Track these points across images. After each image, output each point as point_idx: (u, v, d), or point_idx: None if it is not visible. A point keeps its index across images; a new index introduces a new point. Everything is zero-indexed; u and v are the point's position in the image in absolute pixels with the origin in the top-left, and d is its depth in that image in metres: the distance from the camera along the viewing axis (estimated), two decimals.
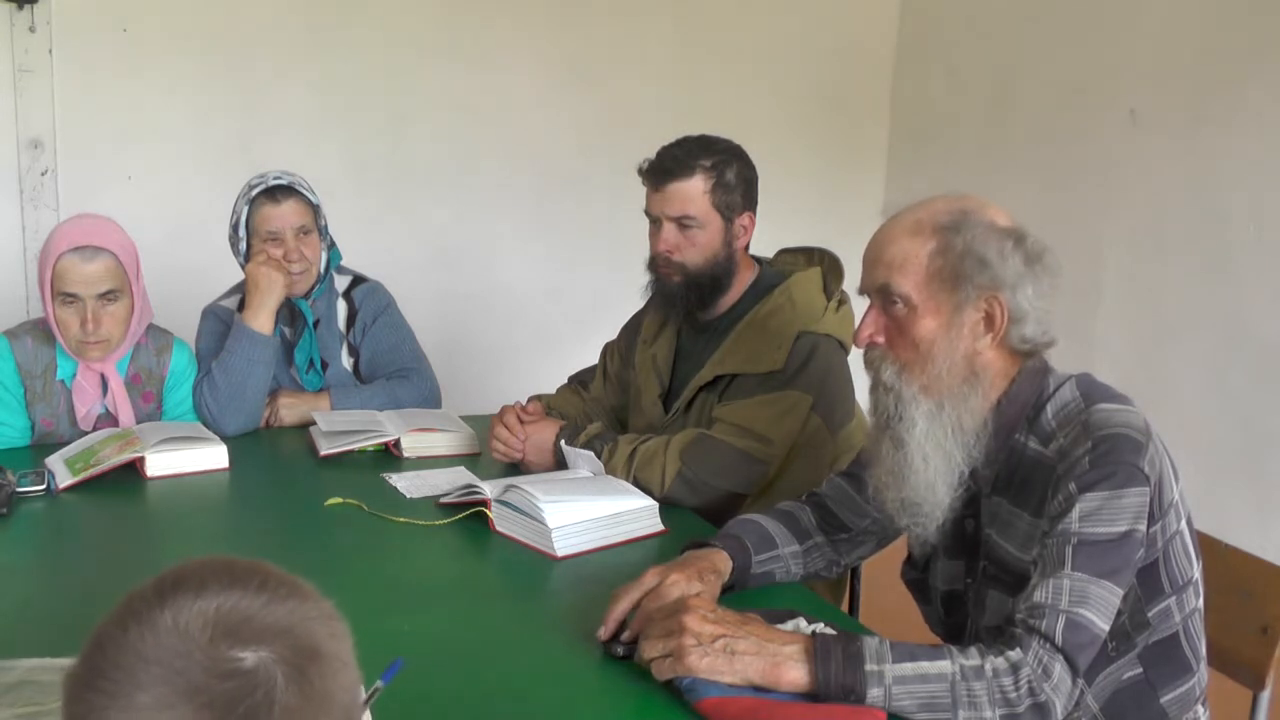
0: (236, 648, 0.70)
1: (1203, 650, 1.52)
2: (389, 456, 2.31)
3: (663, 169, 2.15)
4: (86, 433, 2.32)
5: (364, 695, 1.20)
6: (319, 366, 2.59)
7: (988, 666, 1.30)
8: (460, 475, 2.16)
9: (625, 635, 1.45)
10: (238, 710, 0.68)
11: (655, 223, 2.19)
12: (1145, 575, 1.42)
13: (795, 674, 1.31)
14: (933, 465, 1.47)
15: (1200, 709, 1.53)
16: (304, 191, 2.52)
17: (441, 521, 1.94)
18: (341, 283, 2.65)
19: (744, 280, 2.23)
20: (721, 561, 1.62)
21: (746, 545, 1.67)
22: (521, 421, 2.23)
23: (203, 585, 0.72)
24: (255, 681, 0.69)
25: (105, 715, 0.68)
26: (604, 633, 1.46)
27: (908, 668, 1.29)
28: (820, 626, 1.44)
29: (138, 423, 2.36)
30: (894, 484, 1.52)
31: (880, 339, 1.50)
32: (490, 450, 2.27)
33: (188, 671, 0.69)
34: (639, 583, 1.51)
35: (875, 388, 1.53)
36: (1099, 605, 1.32)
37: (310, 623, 0.74)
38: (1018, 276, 1.43)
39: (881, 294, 1.49)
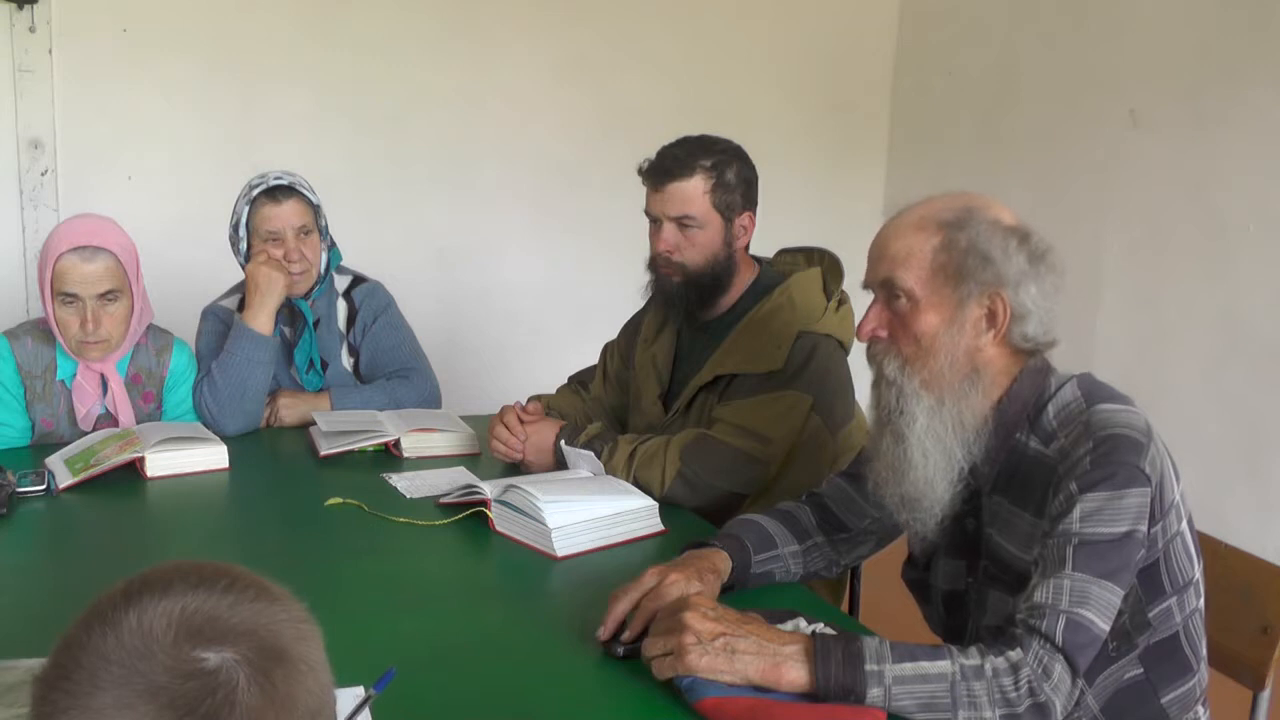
0: (200, 648, 0.69)
1: (1203, 650, 1.52)
2: (389, 456, 2.31)
3: (663, 169, 2.15)
4: (86, 433, 2.32)
5: (346, 698, 1.20)
6: (319, 367, 2.59)
7: (988, 666, 1.30)
8: (460, 475, 2.16)
9: (625, 635, 1.45)
10: (198, 711, 0.68)
11: (655, 223, 2.19)
12: (1146, 576, 1.42)
13: (795, 674, 1.31)
14: (932, 461, 1.48)
15: (1200, 709, 1.53)
16: (305, 191, 2.52)
17: (441, 521, 1.94)
18: (341, 283, 2.65)
19: (744, 280, 2.23)
20: (721, 561, 1.62)
21: (746, 545, 1.67)
22: (521, 421, 2.23)
23: (169, 586, 0.72)
24: (217, 682, 0.69)
25: (67, 715, 0.68)
26: (603, 633, 1.46)
27: (907, 668, 1.29)
28: (820, 626, 1.44)
29: (138, 423, 2.36)
30: (894, 479, 1.52)
31: (883, 333, 1.51)
32: (490, 450, 2.27)
33: (149, 672, 0.68)
34: (638, 583, 1.51)
35: (877, 382, 1.53)
36: (1099, 605, 1.32)
37: (277, 625, 0.73)
38: (1021, 274, 1.43)
39: (885, 288, 1.49)
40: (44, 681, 0.71)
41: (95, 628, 0.70)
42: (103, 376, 2.35)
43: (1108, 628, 1.34)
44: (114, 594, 0.72)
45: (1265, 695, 1.64)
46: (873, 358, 1.54)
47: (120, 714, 0.68)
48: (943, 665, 1.30)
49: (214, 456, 2.21)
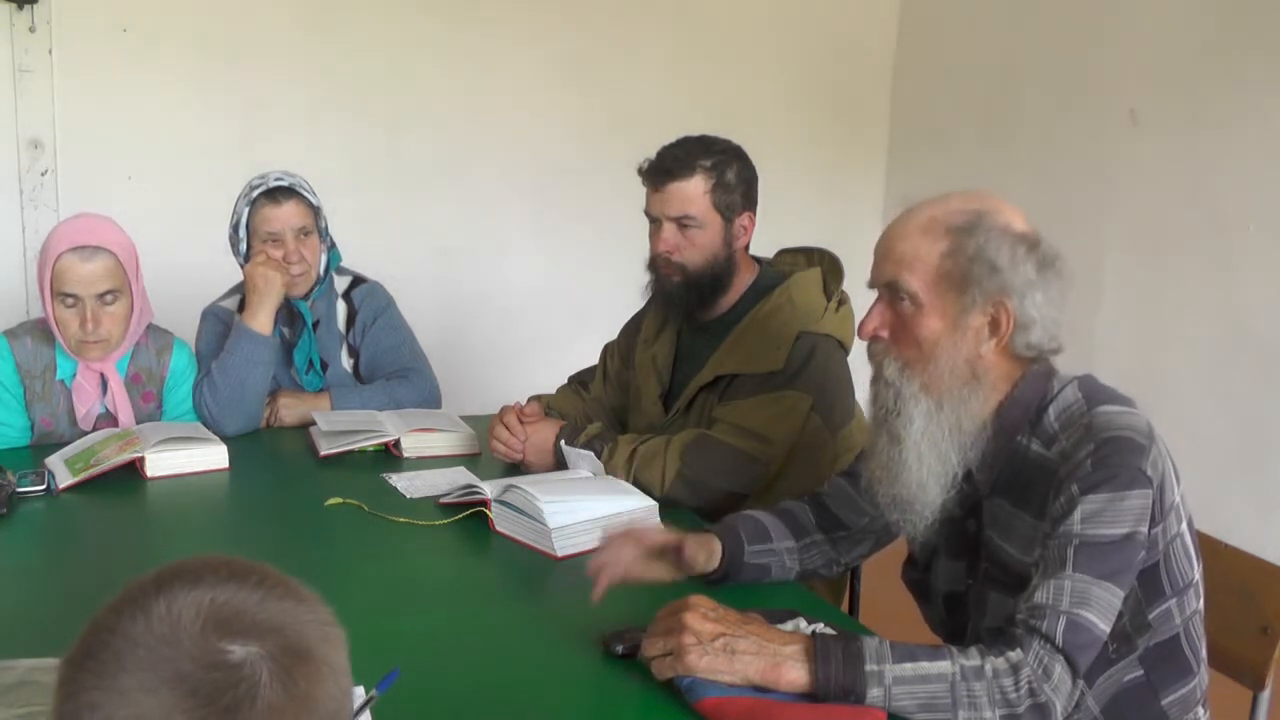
0: (226, 640, 0.71)
1: (1203, 652, 1.52)
2: (389, 456, 2.31)
3: (663, 169, 2.15)
4: (86, 433, 2.32)
5: (357, 703, 1.20)
6: (319, 367, 2.59)
7: (988, 667, 1.30)
8: (460, 475, 2.16)
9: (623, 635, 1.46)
10: (220, 701, 0.69)
11: (655, 223, 2.19)
12: (1146, 577, 1.42)
13: (795, 674, 1.31)
14: (926, 464, 1.47)
15: (1200, 710, 1.53)
16: (305, 193, 2.51)
17: (441, 521, 1.94)
18: (341, 283, 2.65)
19: (744, 280, 2.23)
20: (710, 542, 1.64)
21: (740, 536, 1.68)
22: (521, 422, 2.23)
23: (199, 578, 0.74)
24: (240, 675, 0.70)
25: (91, 696, 0.69)
26: (597, 594, 1.53)
27: (907, 668, 1.29)
28: (820, 627, 1.44)
29: (138, 423, 2.36)
30: (887, 479, 1.52)
31: (884, 333, 1.50)
32: (490, 450, 2.27)
33: (175, 659, 0.69)
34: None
35: (876, 380, 1.53)
36: (1100, 606, 1.32)
37: (304, 625, 0.74)
38: (1027, 284, 1.42)
39: (889, 289, 1.48)
40: (71, 661, 0.72)
41: (125, 612, 0.72)
42: (102, 376, 2.35)
43: (1108, 629, 1.34)
44: (145, 581, 0.74)
45: (1265, 695, 1.64)
46: (873, 356, 1.54)
47: (144, 697, 0.69)
48: (943, 665, 1.30)
49: (214, 456, 2.21)
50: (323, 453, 2.29)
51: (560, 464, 2.17)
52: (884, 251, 1.50)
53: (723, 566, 1.65)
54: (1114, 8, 3.48)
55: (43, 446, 2.30)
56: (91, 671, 0.70)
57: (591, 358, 2.58)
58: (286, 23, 3.59)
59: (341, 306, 2.63)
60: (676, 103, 3.97)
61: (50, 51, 3.33)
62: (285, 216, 2.48)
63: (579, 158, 3.99)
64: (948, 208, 1.46)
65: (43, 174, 3.37)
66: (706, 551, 1.64)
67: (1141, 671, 1.46)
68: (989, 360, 1.46)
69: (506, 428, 2.23)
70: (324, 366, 2.60)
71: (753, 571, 1.68)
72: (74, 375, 2.34)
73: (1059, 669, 1.30)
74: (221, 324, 2.56)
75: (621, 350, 2.48)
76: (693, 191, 2.13)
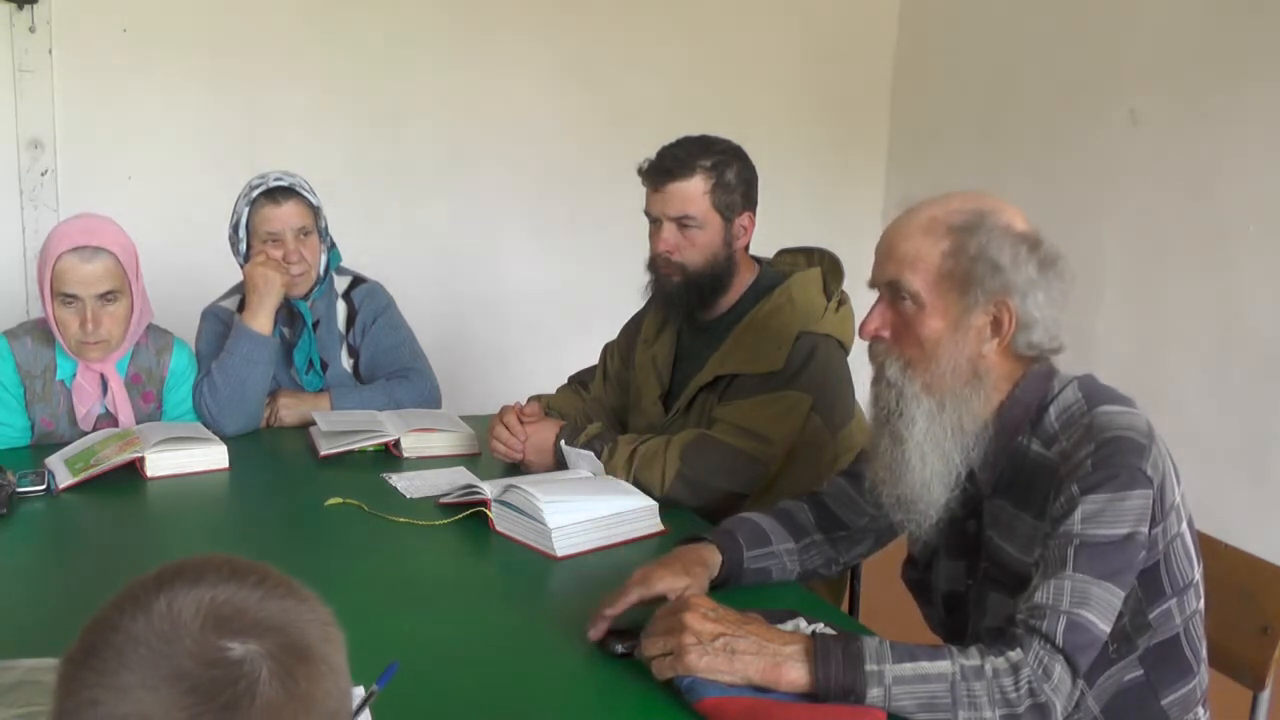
0: (226, 638, 0.71)
1: (1203, 652, 1.52)
2: (389, 456, 2.31)
3: (663, 169, 2.15)
4: (86, 433, 2.32)
5: (357, 701, 1.20)
6: (319, 367, 2.59)
7: (988, 667, 1.30)
8: (460, 475, 2.16)
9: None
10: (219, 698, 0.69)
11: (655, 223, 2.19)
12: (1146, 577, 1.42)
13: (795, 674, 1.31)
14: (930, 464, 1.47)
15: (1200, 710, 1.53)
16: (304, 193, 2.51)
17: (441, 521, 1.94)
18: (341, 283, 2.65)
19: (744, 280, 2.23)
20: (710, 555, 1.63)
21: (739, 541, 1.67)
22: (521, 422, 2.23)
23: (200, 576, 0.74)
24: (240, 672, 0.70)
25: (93, 693, 0.70)
26: (594, 634, 1.46)
27: (907, 668, 1.29)
28: (820, 626, 1.44)
29: (138, 423, 2.36)
30: (890, 480, 1.52)
31: (885, 333, 1.50)
32: (490, 450, 2.27)
33: (175, 656, 0.70)
34: (623, 592, 1.50)
35: (878, 381, 1.53)
36: (1100, 607, 1.32)
37: (304, 624, 0.75)
38: (1029, 283, 1.42)
39: (891, 289, 1.48)
40: (72, 659, 0.72)
41: (127, 609, 0.72)
42: (103, 376, 2.35)
43: (1108, 629, 1.34)
44: (146, 579, 0.74)
45: (1265, 695, 1.64)
46: (874, 356, 1.54)
47: (144, 694, 0.69)
48: (943, 665, 1.30)
49: (214, 456, 2.21)
50: (323, 453, 2.29)
51: (560, 464, 2.17)
52: (885, 251, 1.50)
53: (722, 574, 1.64)
54: (1114, 8, 3.48)
55: (43, 446, 2.30)
56: (92, 669, 0.70)
57: (591, 358, 2.58)
58: (287, 23, 3.59)
59: (341, 306, 2.63)
60: (676, 103, 3.97)
61: (50, 51, 3.33)
62: (285, 216, 2.48)
63: (579, 157, 4.00)
64: (949, 207, 1.46)
65: (43, 174, 3.37)
66: (702, 582, 1.60)
67: (1141, 671, 1.46)
68: (991, 360, 1.47)
69: (506, 428, 2.23)
70: (324, 366, 2.60)
71: (754, 576, 1.68)
72: (74, 375, 2.34)
73: (1059, 669, 1.29)
74: (221, 324, 2.56)
75: (621, 350, 2.48)
76: (693, 191, 2.13)
